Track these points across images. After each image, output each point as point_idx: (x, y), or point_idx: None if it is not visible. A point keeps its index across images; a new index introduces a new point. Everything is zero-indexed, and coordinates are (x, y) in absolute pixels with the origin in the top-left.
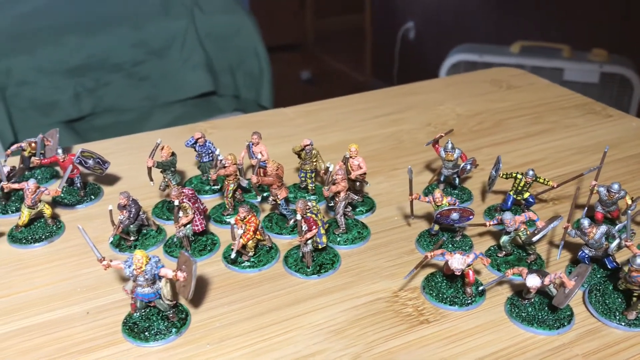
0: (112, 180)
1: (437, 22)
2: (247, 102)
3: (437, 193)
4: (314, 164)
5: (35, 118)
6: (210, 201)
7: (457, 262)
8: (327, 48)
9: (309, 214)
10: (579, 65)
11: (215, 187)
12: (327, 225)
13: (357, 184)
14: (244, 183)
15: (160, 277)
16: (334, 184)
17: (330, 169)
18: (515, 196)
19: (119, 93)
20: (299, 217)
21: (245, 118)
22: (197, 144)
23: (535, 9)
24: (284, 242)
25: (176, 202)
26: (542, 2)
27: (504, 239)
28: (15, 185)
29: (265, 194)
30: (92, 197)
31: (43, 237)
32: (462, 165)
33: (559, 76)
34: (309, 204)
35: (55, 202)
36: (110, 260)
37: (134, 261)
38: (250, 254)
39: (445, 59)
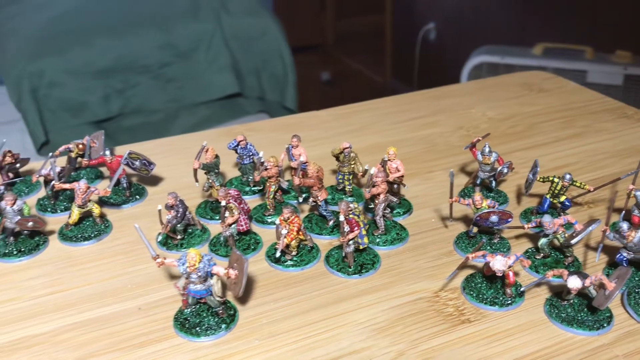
0: (155, 181)
1: (458, 24)
2: (271, 103)
3: (477, 196)
4: (352, 166)
5: (65, 119)
6: (250, 202)
7: (499, 263)
8: (347, 49)
9: (351, 216)
10: (603, 67)
11: (255, 188)
12: (367, 226)
13: (395, 186)
14: (285, 185)
15: (212, 275)
16: (374, 186)
17: (372, 172)
18: (551, 199)
19: (146, 94)
20: (341, 218)
21: (280, 120)
22: (239, 146)
23: (557, 11)
24: (324, 242)
25: (223, 203)
26: (564, 3)
27: (543, 241)
28: (66, 185)
29: (304, 195)
30: (137, 197)
31: (92, 235)
32: (499, 169)
33: (582, 78)
34: (351, 205)
35: (101, 202)
36: (164, 258)
37: (187, 259)
38: (293, 253)
39: (467, 60)
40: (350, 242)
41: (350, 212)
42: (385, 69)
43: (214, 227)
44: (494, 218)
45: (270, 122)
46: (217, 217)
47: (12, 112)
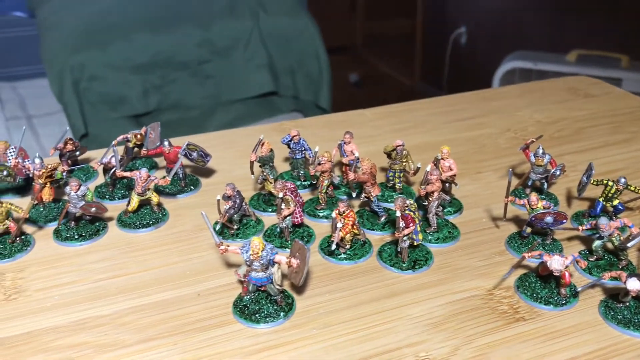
0: (208, 172)
1: (490, 28)
2: (305, 103)
3: (533, 196)
4: (404, 164)
5: (105, 112)
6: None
7: (556, 263)
8: (376, 51)
9: (407, 212)
10: (638, 75)
11: (306, 182)
12: (420, 223)
13: (447, 185)
14: (337, 180)
15: (273, 263)
16: (428, 183)
17: (428, 169)
18: (604, 203)
19: (184, 90)
20: (397, 214)
21: (327, 118)
22: (292, 141)
23: (592, 18)
24: (376, 237)
25: (280, 195)
26: (600, 10)
27: (597, 243)
28: (127, 174)
29: (357, 191)
30: (192, 187)
31: (150, 223)
32: (552, 171)
33: (617, 87)
34: (407, 201)
35: (157, 191)
36: (228, 246)
37: (251, 247)
38: (347, 246)
39: (499, 66)
40: (405, 237)
41: (406, 208)
42: (414, 73)
43: (267, 219)
44: (548, 219)
45: (318, 119)
46: (270, 209)
47: (51, 104)
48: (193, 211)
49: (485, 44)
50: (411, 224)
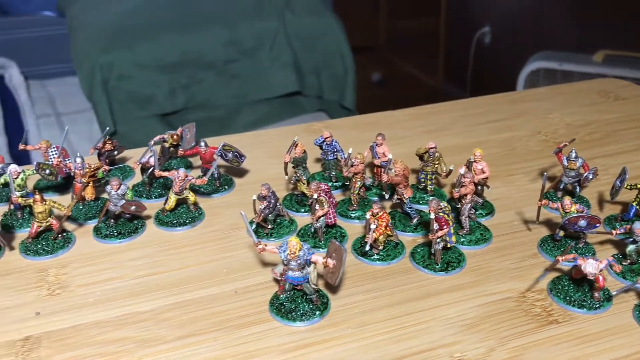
0: (241, 172)
1: (515, 28)
2: (330, 103)
3: (567, 200)
4: (436, 166)
5: (133, 110)
6: None
7: (591, 267)
8: (399, 50)
9: (441, 214)
10: None
11: (337, 183)
12: (453, 225)
13: (479, 187)
14: (369, 181)
15: (310, 263)
16: (462, 186)
17: (461, 172)
18: (637, 207)
19: (210, 90)
20: (432, 216)
21: (357, 119)
22: (325, 143)
23: (619, 18)
24: (408, 239)
25: (315, 196)
26: (627, 10)
27: (631, 247)
28: (165, 173)
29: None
30: (226, 187)
31: (187, 221)
32: (585, 175)
33: None
34: (441, 204)
35: (193, 191)
36: (265, 245)
37: (288, 247)
38: (380, 247)
39: (524, 66)
40: (439, 239)
41: (440, 211)
42: (438, 72)
43: (300, 219)
44: (582, 222)
45: (347, 120)
46: (303, 210)
47: (80, 102)
48: (228, 210)
49: (510, 44)
50: (445, 226)
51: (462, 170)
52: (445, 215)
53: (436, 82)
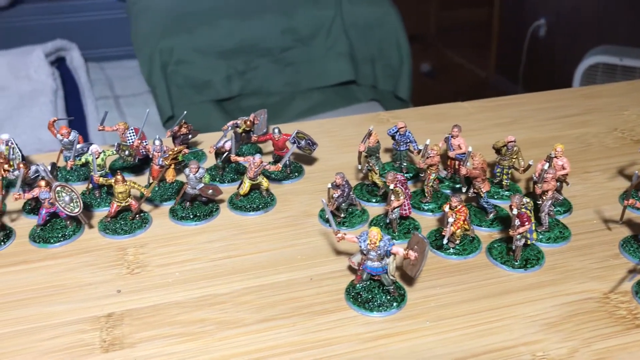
0: (310, 160)
1: (572, 20)
2: (383, 93)
3: None
4: (513, 160)
5: (190, 95)
6: None
7: None
8: (450, 41)
9: (523, 209)
10: None
11: (407, 174)
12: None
13: (558, 183)
14: (443, 174)
15: (390, 254)
16: (544, 181)
17: (545, 167)
18: None
19: (265, 77)
20: (514, 211)
21: (424, 110)
22: (398, 133)
23: None
24: (484, 234)
25: (391, 186)
26: None
27: None
28: (241, 159)
29: (457, 186)
30: (296, 174)
31: (260, 206)
32: None
33: None
34: (524, 200)
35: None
36: (345, 234)
37: (369, 237)
38: (457, 241)
39: (581, 60)
40: (519, 236)
41: (523, 206)
42: (489, 64)
43: (371, 209)
44: None
45: (415, 111)
46: (374, 200)
47: (137, 85)
48: (298, 197)
49: (566, 37)
50: (526, 223)
51: (546, 165)
52: (528, 211)
53: (487, 74)
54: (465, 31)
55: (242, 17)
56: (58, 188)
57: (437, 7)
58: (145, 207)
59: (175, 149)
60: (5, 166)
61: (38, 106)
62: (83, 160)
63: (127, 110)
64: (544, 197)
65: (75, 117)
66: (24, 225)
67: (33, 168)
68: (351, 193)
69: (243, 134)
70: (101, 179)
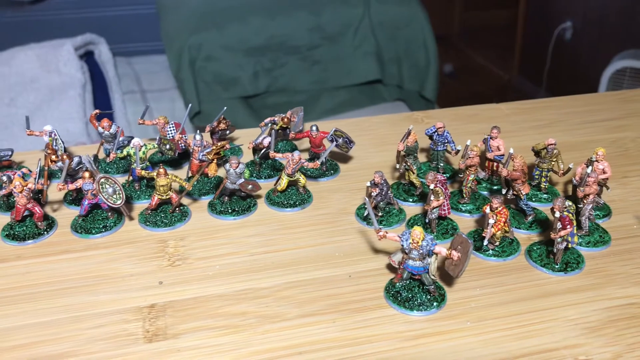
0: (345, 158)
1: (599, 24)
2: (409, 93)
3: None
4: (552, 163)
5: (218, 92)
6: None
7: None
8: (473, 42)
9: (565, 213)
10: None
11: (444, 174)
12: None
13: (598, 187)
14: (482, 175)
15: (432, 253)
16: (586, 185)
17: (588, 171)
18: None
19: (292, 74)
20: (557, 214)
21: (459, 111)
22: (437, 133)
23: None
24: (523, 236)
25: (431, 186)
26: None
27: None
28: (280, 155)
29: (494, 187)
30: (332, 172)
31: (296, 203)
32: None
33: None
34: (566, 203)
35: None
36: (386, 232)
37: (412, 236)
38: (496, 243)
39: (608, 65)
40: (560, 239)
41: (565, 210)
42: (513, 66)
43: (408, 209)
44: None
45: (449, 111)
46: (411, 199)
47: (164, 80)
48: (335, 195)
49: (593, 41)
50: (568, 226)
51: (589, 169)
52: (570, 215)
53: (510, 76)
54: (489, 32)
55: (271, 14)
56: (102, 180)
57: (460, 8)
58: (184, 200)
59: (219, 144)
60: (53, 157)
61: (67, 99)
62: (125, 152)
63: (154, 105)
64: (585, 201)
65: (104, 110)
66: (65, 215)
67: (76, 159)
68: (389, 192)
69: (279, 131)
70: (143, 172)
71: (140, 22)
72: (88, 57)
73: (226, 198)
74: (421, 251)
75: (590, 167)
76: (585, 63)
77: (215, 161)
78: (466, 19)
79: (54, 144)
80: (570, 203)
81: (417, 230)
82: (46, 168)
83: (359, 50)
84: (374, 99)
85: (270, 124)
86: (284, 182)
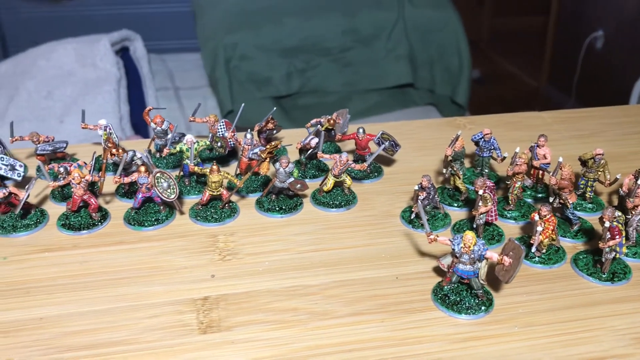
0: (389, 161)
1: (632, 34)
2: (440, 97)
3: None
4: (599, 173)
5: (251, 91)
6: None
7: None
8: (502, 49)
9: (615, 223)
10: None
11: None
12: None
13: None
14: (528, 182)
15: (483, 258)
16: (636, 196)
17: (639, 182)
18: None
19: (324, 76)
20: (607, 224)
21: (502, 118)
22: (483, 139)
23: None
24: (568, 245)
25: (480, 192)
26: None
27: None
28: (327, 156)
29: (539, 195)
30: (376, 174)
31: (342, 204)
32: None
33: None
34: (616, 213)
35: None
36: (437, 236)
37: (463, 240)
38: (543, 251)
39: None
40: (608, 248)
41: (614, 220)
42: (541, 74)
43: (453, 213)
44: None
45: (490, 118)
46: (456, 204)
47: (197, 78)
48: (379, 197)
49: (625, 51)
50: (617, 236)
51: (639, 180)
52: (619, 225)
53: (538, 84)
54: (518, 39)
55: (305, 16)
56: (157, 174)
57: (490, 13)
58: (233, 197)
59: (272, 143)
60: (113, 150)
61: (102, 94)
62: (177, 148)
63: (186, 102)
64: (634, 212)
65: (136, 107)
66: (117, 207)
67: (130, 153)
68: (436, 196)
69: (324, 132)
70: (196, 168)
71: (174, 20)
72: (123, 53)
73: (274, 196)
74: (472, 256)
75: (638, 179)
76: (617, 73)
77: (268, 160)
78: (495, 25)
79: (114, 137)
80: (619, 213)
81: (470, 235)
82: (104, 161)
83: (391, 53)
84: (405, 102)
85: (315, 125)
86: (330, 182)
